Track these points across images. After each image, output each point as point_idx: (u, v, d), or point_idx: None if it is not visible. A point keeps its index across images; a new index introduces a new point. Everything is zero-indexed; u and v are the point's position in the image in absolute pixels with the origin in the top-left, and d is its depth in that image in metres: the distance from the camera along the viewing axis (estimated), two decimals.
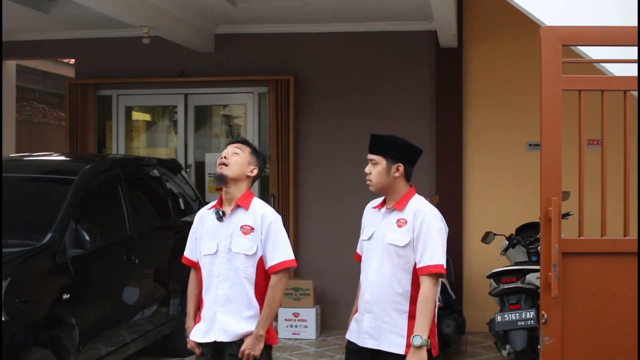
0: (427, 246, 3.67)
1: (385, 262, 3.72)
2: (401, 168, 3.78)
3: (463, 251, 8.48)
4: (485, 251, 7.69)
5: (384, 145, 3.80)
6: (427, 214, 3.73)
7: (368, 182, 3.82)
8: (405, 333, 3.66)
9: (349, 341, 3.89)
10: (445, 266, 3.70)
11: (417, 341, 3.56)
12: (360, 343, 3.77)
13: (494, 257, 7.12)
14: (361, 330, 3.78)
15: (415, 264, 3.69)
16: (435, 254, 3.66)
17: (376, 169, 3.79)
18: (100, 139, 9.68)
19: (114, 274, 5.97)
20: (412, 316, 3.67)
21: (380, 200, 3.93)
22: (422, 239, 3.68)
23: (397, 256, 3.70)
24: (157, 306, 6.50)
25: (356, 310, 3.89)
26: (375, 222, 3.86)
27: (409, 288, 3.70)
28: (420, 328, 3.59)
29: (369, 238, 3.84)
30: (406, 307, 3.69)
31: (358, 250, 4.01)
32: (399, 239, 3.71)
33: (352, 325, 3.88)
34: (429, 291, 3.62)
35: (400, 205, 3.77)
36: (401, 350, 3.65)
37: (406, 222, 3.73)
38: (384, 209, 3.84)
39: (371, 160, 3.81)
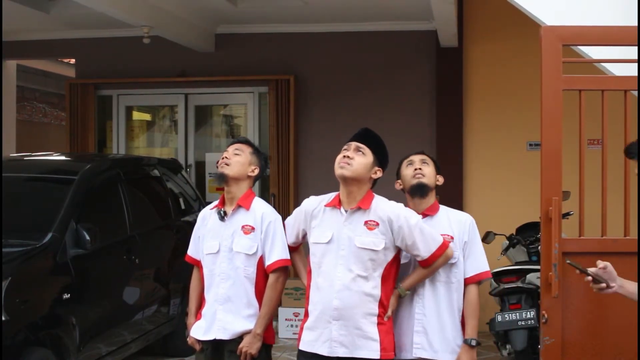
0: (425, 239, 3.55)
1: (354, 267, 3.52)
2: (380, 173, 3.66)
3: None
4: (486, 251, 7.63)
5: (376, 145, 3.66)
6: (401, 214, 3.56)
7: (345, 164, 3.56)
8: (377, 337, 3.53)
9: (303, 352, 3.66)
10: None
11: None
12: (328, 352, 3.56)
13: (494, 256, 7.10)
14: (327, 339, 3.56)
15: (387, 267, 3.55)
16: (435, 239, 3.60)
17: (362, 158, 3.59)
18: (100, 139, 9.68)
19: (115, 274, 5.97)
20: (380, 318, 3.55)
21: (329, 197, 3.71)
22: (415, 236, 3.53)
23: (370, 260, 3.52)
24: (158, 306, 6.50)
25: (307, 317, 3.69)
26: (333, 222, 3.62)
27: (379, 292, 3.55)
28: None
29: (329, 241, 3.59)
30: (376, 311, 3.54)
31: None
32: (373, 242, 3.53)
33: (307, 335, 3.64)
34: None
35: (365, 204, 3.57)
36: (376, 355, 3.51)
37: (377, 224, 3.54)
38: (342, 209, 3.61)
39: (359, 147, 3.60)
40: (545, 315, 3.68)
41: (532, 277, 6.29)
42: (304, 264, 3.87)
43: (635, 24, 3.95)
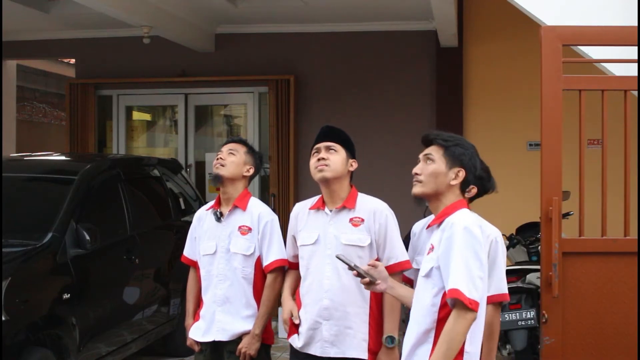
0: (394, 245, 3.52)
1: (341, 265, 3.40)
2: (355, 164, 3.64)
3: None
4: None
5: (343, 138, 3.63)
6: (384, 211, 3.55)
7: (323, 167, 3.52)
8: (367, 337, 3.50)
9: (296, 351, 3.63)
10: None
11: (391, 342, 3.48)
12: (319, 353, 3.53)
13: None
14: (319, 339, 3.54)
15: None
16: (403, 251, 3.52)
17: (336, 156, 3.55)
18: (100, 139, 9.69)
19: (115, 274, 5.97)
20: (372, 318, 3.53)
21: (313, 200, 3.68)
22: (388, 238, 3.51)
23: (357, 257, 3.45)
24: (158, 306, 6.50)
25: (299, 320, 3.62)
26: (319, 223, 3.59)
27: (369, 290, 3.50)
28: (392, 328, 3.50)
29: (315, 242, 3.57)
30: (367, 309, 3.51)
31: (287, 256, 3.80)
32: (360, 239, 3.51)
33: (299, 339, 3.61)
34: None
35: (350, 203, 3.55)
36: (365, 355, 3.49)
37: (362, 220, 3.52)
38: (327, 210, 3.59)
39: (329, 147, 3.56)
40: (545, 315, 3.67)
41: (532, 277, 6.29)
42: (291, 286, 3.78)
43: (635, 24, 3.95)
